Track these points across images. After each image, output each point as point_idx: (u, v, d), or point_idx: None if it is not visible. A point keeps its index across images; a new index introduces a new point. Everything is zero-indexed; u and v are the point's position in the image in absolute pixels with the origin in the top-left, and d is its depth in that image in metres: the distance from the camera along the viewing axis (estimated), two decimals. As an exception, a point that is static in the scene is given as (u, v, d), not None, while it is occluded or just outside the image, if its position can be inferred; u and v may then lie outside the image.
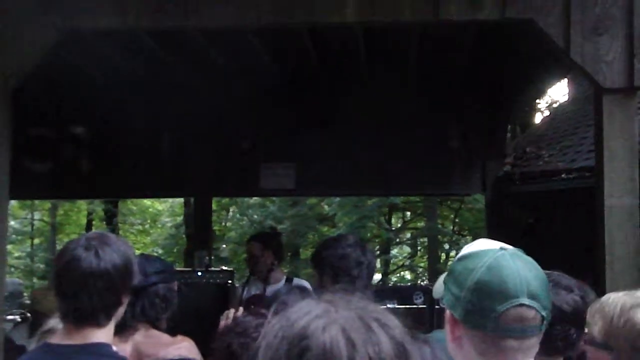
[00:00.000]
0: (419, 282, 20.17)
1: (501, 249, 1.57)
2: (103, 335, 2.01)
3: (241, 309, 2.94)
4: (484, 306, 1.50)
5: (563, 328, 2.18)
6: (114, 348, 2.05)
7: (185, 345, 2.65)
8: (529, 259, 1.58)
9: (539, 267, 1.57)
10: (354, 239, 3.14)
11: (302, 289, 3.10)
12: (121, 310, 2.06)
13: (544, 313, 1.52)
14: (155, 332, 2.69)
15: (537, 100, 11.54)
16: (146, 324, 2.67)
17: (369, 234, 17.95)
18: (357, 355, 0.94)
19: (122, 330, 2.62)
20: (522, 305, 1.49)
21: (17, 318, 6.47)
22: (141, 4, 3.68)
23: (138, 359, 2.59)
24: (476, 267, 1.53)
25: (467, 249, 1.66)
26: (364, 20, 3.72)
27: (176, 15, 3.69)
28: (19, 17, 3.58)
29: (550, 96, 15.59)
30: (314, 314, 0.98)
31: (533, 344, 1.55)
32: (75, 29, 3.67)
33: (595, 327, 2.10)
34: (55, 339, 2.08)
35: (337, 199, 16.46)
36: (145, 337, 2.66)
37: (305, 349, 0.95)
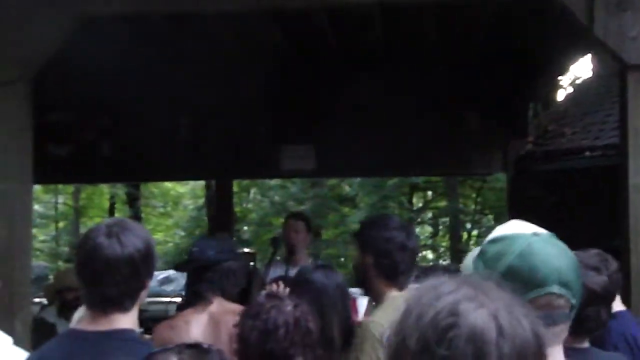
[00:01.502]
0: (440, 261, 20.15)
1: (534, 234, 1.55)
2: (128, 320, 2.03)
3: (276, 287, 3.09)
4: (515, 293, 1.49)
5: (595, 309, 2.18)
6: (137, 334, 2.07)
7: None
8: (562, 244, 1.55)
9: (571, 253, 1.55)
10: (400, 221, 3.11)
11: (329, 267, 3.11)
12: (144, 295, 2.08)
13: (574, 301, 1.51)
14: (228, 303, 2.96)
15: (560, 77, 11.38)
16: (219, 297, 2.97)
17: (368, 217, 17.92)
18: (504, 344, 0.93)
19: (197, 302, 2.97)
20: (552, 293, 1.48)
21: (44, 301, 6.57)
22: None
23: (215, 325, 2.87)
24: (508, 252, 1.51)
25: (499, 231, 1.63)
26: (383, 0, 3.68)
27: (191, 0, 3.68)
28: (35, 5, 3.59)
29: (573, 73, 15.37)
30: (463, 294, 0.97)
31: (562, 330, 1.54)
32: (91, 15, 3.67)
33: None
34: (81, 325, 2.11)
35: (358, 179, 16.44)
36: (220, 307, 2.93)
37: (453, 325, 0.94)
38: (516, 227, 1.64)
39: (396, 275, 2.86)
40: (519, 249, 1.50)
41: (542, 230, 1.60)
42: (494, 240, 1.59)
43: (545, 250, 1.50)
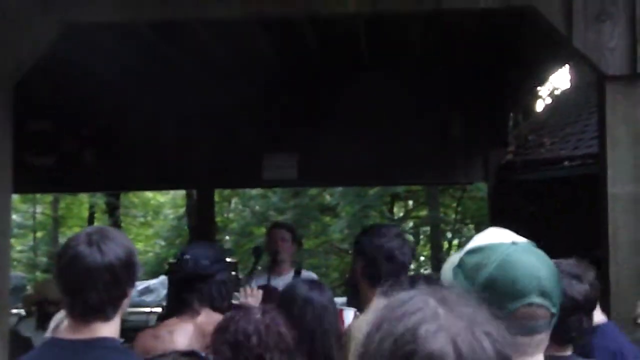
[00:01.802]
0: (421, 271, 20.19)
1: (513, 243, 1.54)
2: (110, 328, 2.02)
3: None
4: (495, 304, 1.46)
5: (577, 318, 2.19)
6: (120, 342, 2.06)
7: None
8: (540, 253, 1.55)
9: (550, 261, 1.54)
10: (396, 232, 3.12)
11: (313, 282, 3.11)
12: (127, 303, 2.07)
13: (554, 309, 1.50)
14: (216, 314, 2.87)
15: (539, 88, 11.50)
16: (207, 308, 2.92)
17: (371, 224, 17.95)
18: None
19: (185, 312, 2.92)
20: (532, 304, 1.47)
21: (22, 312, 6.49)
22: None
23: (202, 337, 2.79)
24: (487, 263, 1.50)
25: (478, 241, 1.61)
26: (366, 11, 3.71)
27: (177, 8, 3.68)
28: (20, 11, 3.57)
29: (551, 83, 15.54)
30: (422, 316, 0.95)
31: (543, 339, 1.54)
32: (76, 22, 3.66)
33: None
34: (62, 334, 2.09)
35: (339, 188, 16.45)
36: (207, 318, 2.87)
37: (412, 353, 0.92)
38: (495, 236, 1.62)
39: (379, 282, 2.87)
40: (498, 259, 1.49)
41: (520, 239, 1.59)
42: (473, 251, 1.58)
43: (524, 260, 1.49)
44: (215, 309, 2.94)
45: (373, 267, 2.96)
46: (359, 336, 2.74)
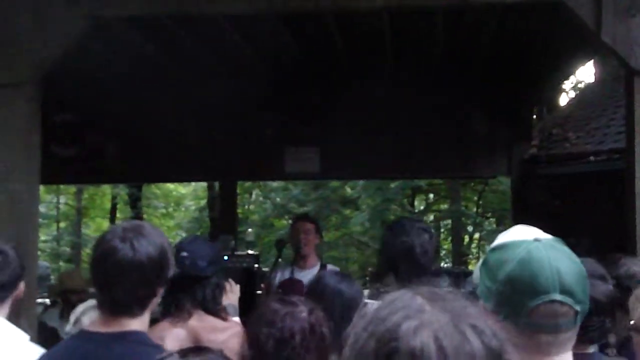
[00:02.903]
0: (442, 264, 20.13)
1: (536, 239, 1.51)
2: (138, 324, 2.03)
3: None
4: (515, 301, 1.46)
5: (599, 319, 2.16)
6: (147, 336, 2.07)
7: (236, 332, 2.70)
8: (566, 249, 1.52)
9: (575, 259, 1.51)
10: (419, 226, 3.12)
11: (347, 276, 3.09)
12: (155, 302, 2.07)
13: (577, 307, 1.47)
14: (209, 317, 2.79)
15: (564, 82, 11.38)
16: (199, 309, 2.78)
17: (392, 217, 17.93)
18: None
19: (177, 315, 2.78)
20: (553, 301, 1.44)
21: (47, 302, 6.58)
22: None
23: (195, 341, 2.66)
24: (508, 260, 1.48)
25: (501, 238, 1.61)
26: (393, 4, 3.69)
27: (201, 2, 3.69)
28: (46, 6, 3.61)
29: (576, 77, 15.38)
30: (406, 313, 0.93)
31: (568, 338, 1.51)
32: (100, 16, 3.68)
33: (636, 312, 2.08)
34: (91, 327, 2.11)
35: (361, 182, 16.43)
36: (200, 322, 2.77)
37: (394, 351, 0.91)
38: (519, 233, 1.60)
39: (400, 279, 2.92)
40: (519, 256, 1.48)
41: (545, 236, 1.56)
42: (496, 248, 1.57)
43: (545, 257, 1.46)
44: (207, 311, 2.82)
45: (392, 263, 3.00)
46: None
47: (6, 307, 2.65)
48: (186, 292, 2.80)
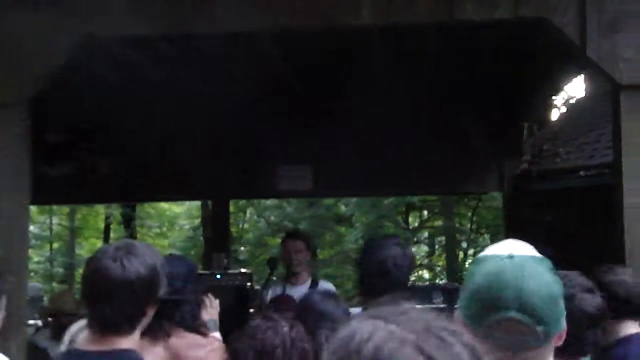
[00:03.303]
0: (437, 281, 20.11)
1: (509, 256, 1.50)
2: (128, 342, 2.03)
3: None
4: (477, 313, 1.47)
5: (592, 332, 2.17)
6: (139, 354, 2.07)
7: (216, 347, 2.70)
8: (539, 268, 1.50)
9: (549, 279, 1.49)
10: (390, 246, 3.14)
11: (329, 294, 3.11)
12: (146, 321, 2.07)
13: (539, 328, 1.44)
14: (188, 334, 2.76)
15: (554, 97, 11.46)
16: (178, 328, 2.74)
17: (369, 238, 17.95)
18: None
19: (155, 333, 2.69)
20: (510, 319, 1.43)
21: (39, 323, 6.54)
22: (158, 10, 3.71)
23: (175, 359, 2.66)
24: (477, 273, 1.50)
25: (485, 251, 1.62)
26: (380, 22, 3.72)
27: (194, 21, 3.72)
28: (37, 25, 3.62)
29: (566, 92, 15.47)
30: (380, 335, 0.91)
31: (532, 357, 1.48)
32: (94, 36, 3.70)
33: None
34: (81, 345, 2.11)
35: (354, 199, 16.47)
36: (180, 339, 2.73)
37: None
38: (504, 248, 1.58)
39: (375, 296, 2.96)
40: (487, 270, 1.48)
41: (523, 252, 1.54)
42: (476, 260, 1.59)
43: (511, 274, 1.45)
44: (187, 328, 2.79)
45: (367, 282, 3.07)
46: None
47: None
48: (164, 313, 2.69)
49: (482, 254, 1.59)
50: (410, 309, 0.97)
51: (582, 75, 9.08)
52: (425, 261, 22.18)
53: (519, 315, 1.43)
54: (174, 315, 2.71)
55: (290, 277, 4.87)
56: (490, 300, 1.44)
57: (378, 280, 2.99)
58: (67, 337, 3.14)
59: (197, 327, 2.82)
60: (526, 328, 1.44)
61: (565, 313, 1.51)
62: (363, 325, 0.95)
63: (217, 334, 3.00)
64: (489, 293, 1.45)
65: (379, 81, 6.51)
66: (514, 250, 1.54)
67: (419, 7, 3.59)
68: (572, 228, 6.39)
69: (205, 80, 6.44)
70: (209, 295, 3.13)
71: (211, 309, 3.13)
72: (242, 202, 18.69)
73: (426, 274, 22.34)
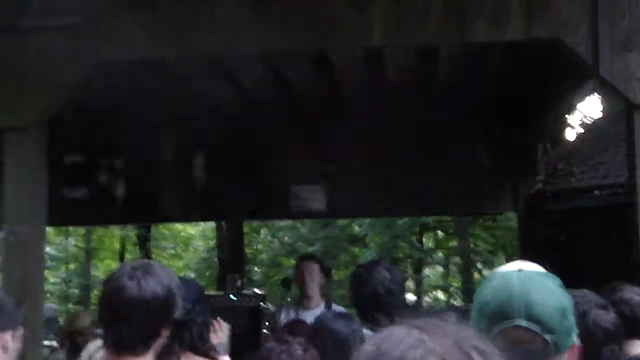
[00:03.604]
0: (452, 302, 19.95)
1: (518, 270, 1.52)
2: None
3: None
4: (485, 326, 1.47)
5: (609, 347, 2.16)
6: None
7: None
8: (548, 282, 1.51)
9: (557, 292, 1.49)
10: (376, 267, 3.17)
11: (347, 315, 3.12)
12: (160, 342, 2.08)
13: (547, 337, 1.44)
14: (197, 358, 2.75)
15: (568, 116, 11.42)
16: (188, 351, 2.73)
17: (400, 254, 17.85)
18: None
19: (164, 355, 2.63)
20: (518, 326, 1.43)
21: (54, 344, 6.56)
22: (170, 34, 3.76)
23: None
24: (485, 288, 1.52)
25: (494, 270, 1.65)
26: (390, 43, 3.75)
27: (205, 44, 3.77)
28: (54, 50, 3.68)
29: (581, 112, 15.42)
30: (408, 344, 0.93)
31: None
32: (109, 61, 3.76)
33: None
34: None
35: (368, 219, 16.42)
36: None
37: None
38: (513, 265, 1.60)
39: (377, 324, 2.94)
40: (495, 284, 1.50)
41: (531, 268, 1.55)
42: (486, 278, 1.61)
43: (517, 286, 1.47)
44: (196, 351, 2.77)
45: (364, 315, 3.07)
46: None
47: None
48: (174, 336, 2.69)
49: (491, 272, 1.61)
50: (448, 323, 0.99)
51: (597, 95, 9.06)
52: (440, 282, 22.01)
53: (527, 323, 1.43)
54: (184, 337, 2.69)
55: (304, 300, 4.87)
56: (497, 310, 1.45)
57: (375, 311, 2.97)
58: (84, 357, 3.15)
59: (207, 351, 2.81)
60: (533, 336, 1.44)
61: (576, 328, 1.51)
62: (397, 331, 0.97)
63: (226, 358, 2.98)
64: (496, 304, 1.46)
65: (391, 102, 6.53)
66: (523, 267, 1.56)
67: (429, 29, 3.61)
68: (588, 247, 6.34)
69: (219, 101, 6.50)
70: (218, 318, 3.12)
71: (220, 333, 3.11)
72: (256, 223, 18.70)
73: (441, 295, 22.16)
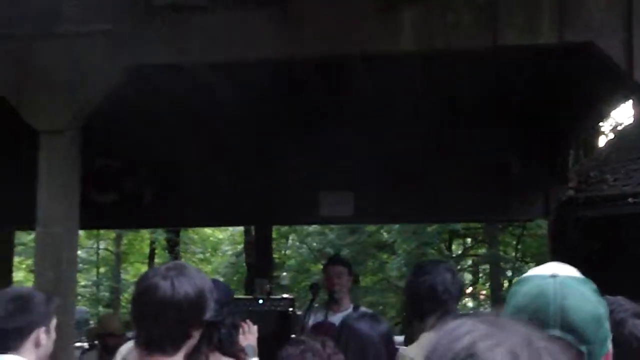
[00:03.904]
0: (481, 309, 19.79)
1: (552, 275, 1.49)
2: None
3: None
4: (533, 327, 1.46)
5: None
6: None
7: None
8: (583, 288, 1.48)
9: (592, 298, 1.47)
10: (439, 268, 3.15)
11: (375, 317, 3.12)
12: (191, 343, 2.08)
13: (582, 348, 1.42)
14: (224, 358, 2.77)
15: (601, 123, 11.28)
16: (216, 352, 2.75)
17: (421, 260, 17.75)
18: None
19: (193, 356, 2.68)
20: (553, 336, 1.38)
21: (85, 345, 6.65)
22: (201, 39, 3.80)
23: None
24: (518, 292, 1.49)
25: (528, 272, 1.62)
26: (422, 49, 3.74)
27: (236, 49, 3.80)
28: (88, 55, 3.74)
29: (614, 118, 15.23)
30: (480, 333, 0.97)
31: None
32: (139, 65, 3.81)
33: None
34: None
35: (397, 225, 16.37)
36: None
37: None
38: (546, 268, 1.57)
39: (422, 317, 2.99)
40: (527, 289, 1.48)
41: (568, 273, 1.52)
42: (517, 281, 1.57)
43: (552, 293, 1.44)
44: (225, 352, 2.80)
45: (415, 303, 3.07)
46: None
47: (25, 352, 2.63)
48: (202, 336, 2.81)
49: (524, 275, 1.58)
50: (519, 323, 1.02)
51: (630, 101, 8.94)
52: (469, 289, 21.85)
53: (561, 333, 1.41)
54: (212, 337, 2.72)
55: (332, 304, 4.86)
56: (531, 319, 1.40)
57: (427, 303, 2.99)
58: (118, 357, 3.19)
59: (236, 352, 2.84)
60: (569, 347, 1.41)
61: (610, 335, 1.48)
62: (468, 322, 1.01)
63: None
64: (531, 311, 1.43)
65: (419, 108, 6.51)
66: (557, 270, 1.53)
67: (461, 33, 3.60)
68: (620, 256, 6.24)
69: (246, 107, 6.53)
70: (247, 321, 3.13)
71: (249, 335, 3.13)
72: (285, 228, 18.75)
73: (470, 303, 22.00)
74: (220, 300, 2.75)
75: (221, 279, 22.14)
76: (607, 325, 1.48)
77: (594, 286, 1.52)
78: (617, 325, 1.53)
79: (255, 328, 3.18)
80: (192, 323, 2.04)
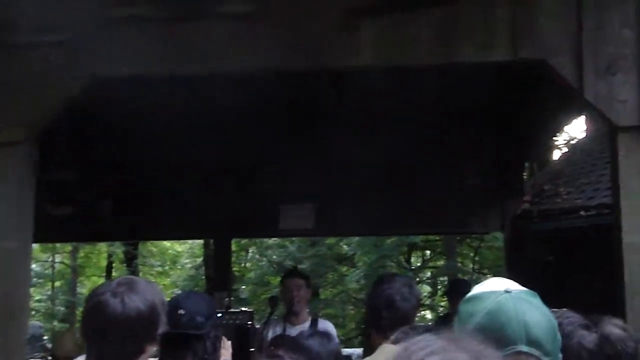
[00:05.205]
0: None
1: (506, 291, 1.54)
2: None
3: None
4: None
5: None
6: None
7: None
8: (536, 301, 1.54)
9: (546, 311, 1.53)
10: (400, 281, 3.22)
11: (326, 335, 3.15)
12: (145, 358, 2.07)
13: (546, 359, 1.47)
14: None
15: (554, 137, 11.52)
16: None
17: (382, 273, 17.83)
18: None
19: None
20: (520, 352, 1.45)
21: (39, 362, 6.51)
22: (162, 51, 3.78)
23: None
24: (477, 312, 1.51)
25: (475, 290, 1.64)
26: (380, 64, 3.79)
27: (196, 61, 3.79)
28: (45, 65, 3.69)
29: (567, 133, 15.57)
30: (430, 349, 1.02)
31: None
32: (100, 76, 3.77)
33: None
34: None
35: (356, 238, 16.43)
36: None
37: None
38: (492, 285, 1.62)
39: (383, 329, 3.04)
40: (487, 308, 1.50)
41: (516, 287, 1.57)
42: (468, 300, 1.60)
43: (513, 309, 1.48)
44: None
45: (374, 314, 3.11)
46: None
47: None
48: (186, 348, 2.78)
49: (471, 293, 1.60)
50: (476, 339, 1.07)
51: (583, 116, 9.15)
52: (428, 301, 21.99)
53: (528, 348, 1.45)
54: (197, 350, 2.73)
55: (291, 316, 4.87)
56: (496, 337, 1.45)
57: (385, 313, 3.05)
58: None
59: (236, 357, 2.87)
60: None
61: (561, 344, 1.54)
62: (426, 339, 1.07)
63: None
64: (495, 330, 1.47)
65: (379, 121, 6.57)
66: (508, 286, 1.56)
67: (418, 49, 3.65)
68: (573, 268, 6.38)
69: (208, 120, 6.51)
70: (222, 337, 3.14)
71: (224, 350, 3.13)
72: (244, 241, 18.65)
73: (429, 315, 22.13)
74: (205, 313, 2.80)
75: (180, 292, 21.90)
76: (559, 335, 1.54)
77: (539, 297, 1.57)
78: (565, 337, 1.58)
79: (229, 343, 3.17)
80: (145, 338, 2.02)
